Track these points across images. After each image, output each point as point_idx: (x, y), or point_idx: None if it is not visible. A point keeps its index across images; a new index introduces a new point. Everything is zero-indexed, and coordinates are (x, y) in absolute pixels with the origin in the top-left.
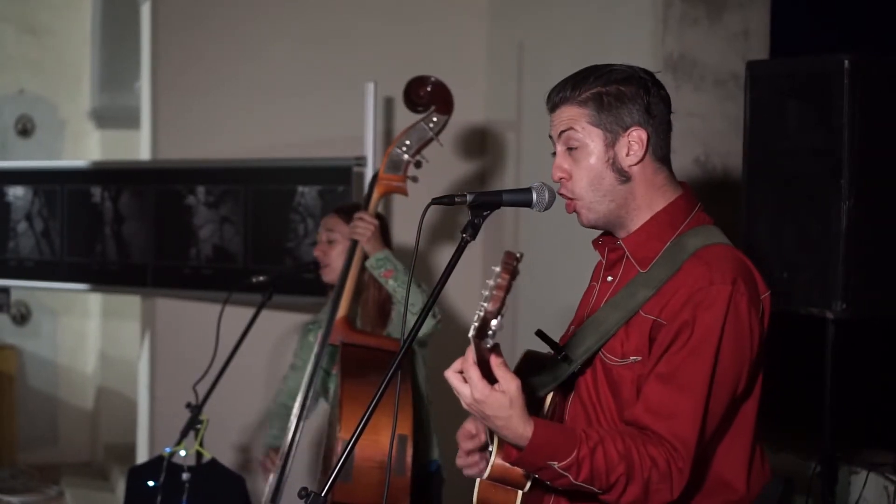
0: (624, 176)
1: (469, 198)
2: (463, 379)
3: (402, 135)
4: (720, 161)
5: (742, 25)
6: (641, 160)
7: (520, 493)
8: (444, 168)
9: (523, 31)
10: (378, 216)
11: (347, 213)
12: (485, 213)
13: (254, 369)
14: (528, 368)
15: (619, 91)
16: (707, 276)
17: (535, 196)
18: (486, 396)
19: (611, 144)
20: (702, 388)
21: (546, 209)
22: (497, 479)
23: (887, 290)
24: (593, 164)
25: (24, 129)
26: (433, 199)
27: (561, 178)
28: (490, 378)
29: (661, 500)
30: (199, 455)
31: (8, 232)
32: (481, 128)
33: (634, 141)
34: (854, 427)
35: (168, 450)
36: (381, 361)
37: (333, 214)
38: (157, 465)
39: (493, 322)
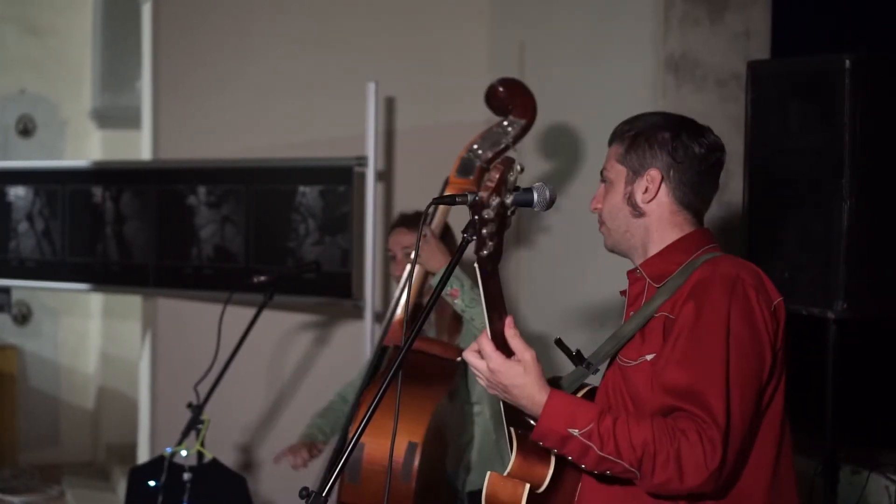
0: (637, 211)
1: (470, 197)
2: (479, 355)
3: (476, 139)
4: None
5: (743, 25)
6: (654, 198)
7: (527, 485)
8: (444, 169)
9: (524, 30)
10: (445, 226)
11: (414, 223)
12: None
13: (255, 369)
14: (551, 383)
15: (652, 135)
16: (711, 270)
17: (536, 196)
18: (500, 365)
19: (630, 182)
20: (719, 365)
21: (547, 209)
22: (517, 476)
23: (888, 290)
24: (614, 198)
25: (26, 129)
26: (434, 199)
27: (595, 209)
28: (507, 353)
29: (695, 475)
30: (200, 455)
31: (9, 232)
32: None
33: (649, 181)
34: (855, 427)
35: (169, 450)
36: (428, 367)
37: (404, 230)
38: (159, 465)
39: (486, 212)
